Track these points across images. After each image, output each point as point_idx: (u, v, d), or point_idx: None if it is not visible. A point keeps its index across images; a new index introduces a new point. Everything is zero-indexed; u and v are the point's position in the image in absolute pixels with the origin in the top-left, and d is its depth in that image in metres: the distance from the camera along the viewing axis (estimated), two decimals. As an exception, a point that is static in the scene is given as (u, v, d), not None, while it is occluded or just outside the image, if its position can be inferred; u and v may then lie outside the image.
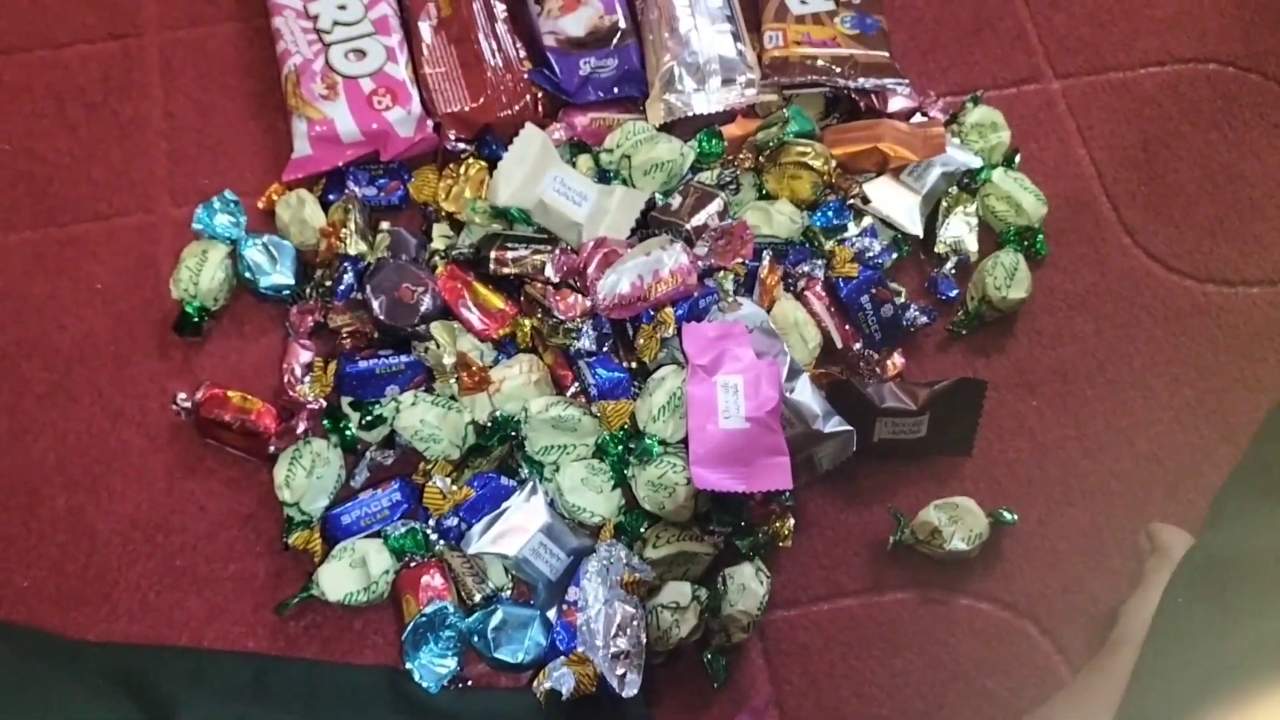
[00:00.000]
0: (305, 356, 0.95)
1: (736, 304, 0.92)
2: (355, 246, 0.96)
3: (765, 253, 0.97)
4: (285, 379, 0.95)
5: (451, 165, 1.02)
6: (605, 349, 0.92)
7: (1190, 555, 0.81)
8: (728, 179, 1.00)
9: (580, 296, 0.90)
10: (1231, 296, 1.05)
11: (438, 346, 0.93)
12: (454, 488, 0.90)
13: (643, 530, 0.91)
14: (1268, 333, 1.04)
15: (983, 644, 0.92)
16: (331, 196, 1.03)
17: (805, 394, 0.91)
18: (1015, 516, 0.93)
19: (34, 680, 0.76)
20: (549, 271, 0.93)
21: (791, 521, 0.92)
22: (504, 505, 0.89)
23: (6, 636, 0.84)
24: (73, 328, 1.00)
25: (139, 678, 0.80)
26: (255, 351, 0.99)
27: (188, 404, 0.94)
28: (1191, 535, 0.87)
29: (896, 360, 0.99)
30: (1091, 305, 1.04)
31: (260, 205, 1.04)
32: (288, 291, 0.99)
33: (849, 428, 0.91)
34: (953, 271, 1.03)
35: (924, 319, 1.00)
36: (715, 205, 0.95)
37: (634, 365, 0.93)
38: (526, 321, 0.94)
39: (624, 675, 0.85)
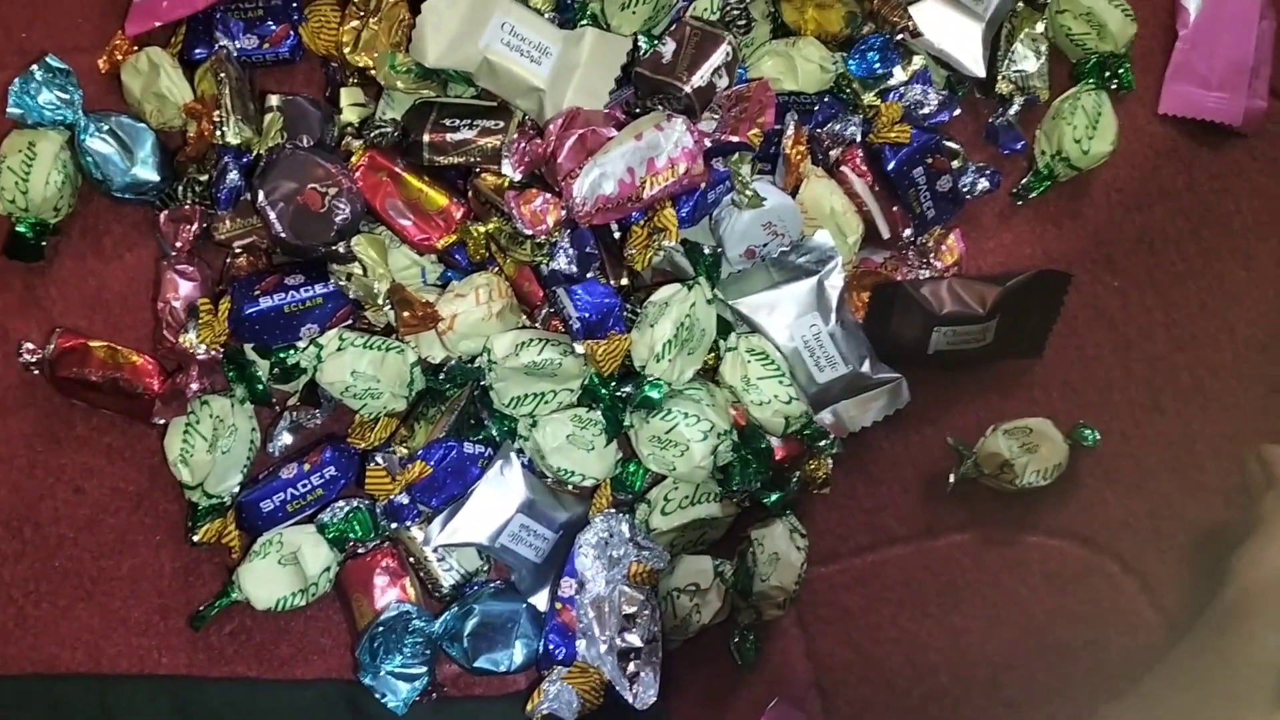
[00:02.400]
0: (186, 290, 0.72)
1: (758, 198, 0.69)
2: (236, 133, 0.71)
3: (789, 115, 0.73)
4: (163, 323, 0.72)
5: (356, -1, 0.75)
6: (590, 272, 0.70)
7: None
8: (734, 10, 0.74)
9: (550, 199, 0.67)
10: (1355, 131, 0.85)
11: (364, 271, 0.70)
12: (402, 458, 0.70)
13: (644, 487, 0.73)
14: (1398, 177, 0.84)
15: (1057, 589, 0.77)
16: (197, 53, 0.76)
17: (848, 324, 0.71)
18: (1098, 436, 0.76)
19: None
20: (505, 167, 0.69)
21: (830, 463, 0.74)
22: (471, 487, 0.69)
23: None
24: None
25: None
26: (120, 274, 0.76)
27: (36, 357, 0.71)
28: None
29: (954, 242, 0.78)
30: (1184, 151, 0.83)
31: (101, 67, 0.77)
32: (152, 191, 0.74)
33: (897, 376, 0.72)
34: (1018, 117, 0.80)
35: (985, 184, 0.78)
36: (721, 53, 0.70)
37: (625, 282, 0.72)
38: (479, 226, 0.71)
39: (636, 676, 0.69)
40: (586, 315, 0.69)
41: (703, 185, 0.69)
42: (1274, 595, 0.66)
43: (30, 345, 0.71)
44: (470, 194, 0.72)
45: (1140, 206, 0.82)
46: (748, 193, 0.69)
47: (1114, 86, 0.81)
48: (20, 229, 0.73)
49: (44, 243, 0.74)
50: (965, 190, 0.78)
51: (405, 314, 0.69)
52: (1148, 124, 0.83)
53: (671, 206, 0.69)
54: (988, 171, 0.78)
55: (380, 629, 0.69)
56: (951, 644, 0.75)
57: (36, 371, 0.72)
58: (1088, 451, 0.77)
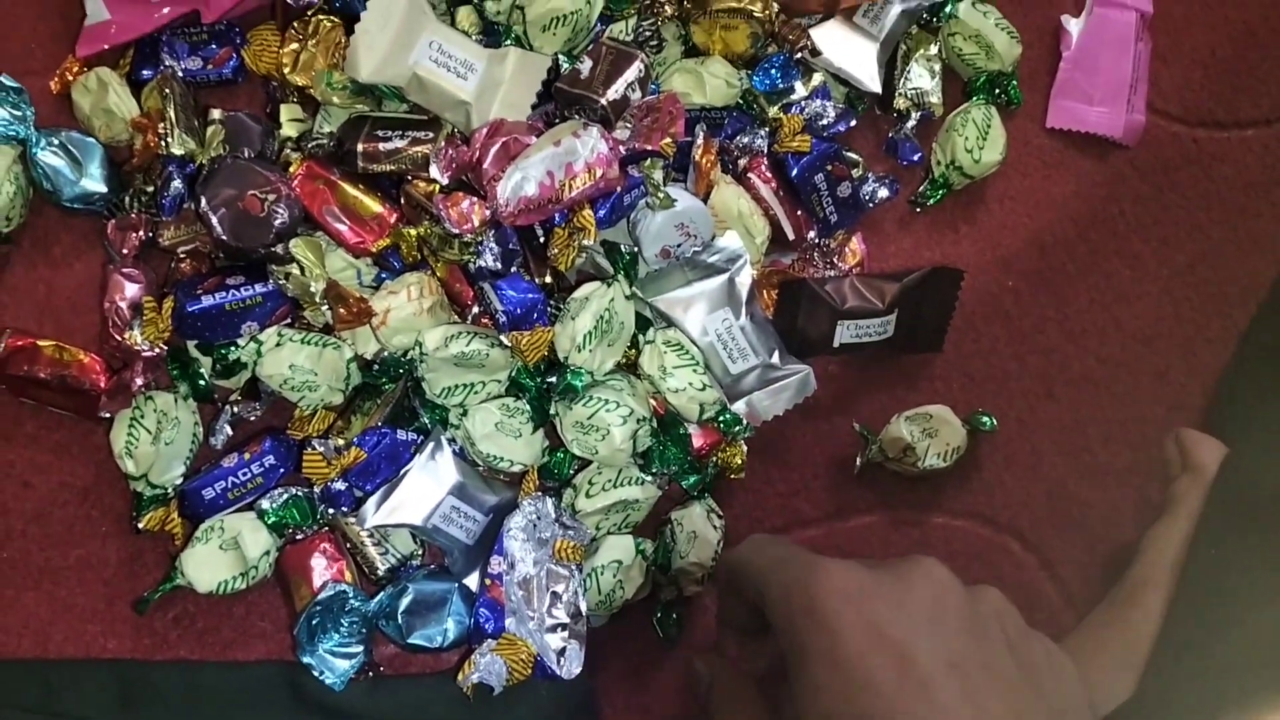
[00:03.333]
0: (132, 291, 0.76)
1: (669, 200, 0.75)
2: (180, 144, 0.76)
3: (699, 127, 0.79)
4: (110, 322, 0.75)
5: (296, 24, 0.80)
6: (514, 267, 0.75)
7: (1228, 483, 0.71)
8: (646, 33, 0.80)
9: (475, 201, 0.72)
10: (1224, 142, 0.92)
11: (301, 271, 0.75)
12: (339, 446, 0.74)
13: (571, 473, 0.77)
14: (1264, 183, 0.91)
15: (960, 567, 0.79)
16: (144, 73, 0.80)
17: (758, 318, 0.76)
18: (994, 422, 0.81)
19: None
20: (434, 171, 0.74)
21: (744, 449, 0.79)
22: (404, 470, 0.73)
23: None
24: None
25: None
26: (68, 281, 0.79)
27: (-12, 357, 0.75)
28: (1220, 443, 0.76)
29: (856, 245, 0.84)
30: (1071, 162, 0.90)
31: (53, 88, 0.81)
32: (100, 202, 0.78)
33: (805, 367, 0.77)
34: (914, 130, 0.87)
35: (885, 192, 0.84)
36: (634, 70, 0.76)
37: (549, 280, 0.77)
38: (411, 230, 0.75)
39: (563, 651, 0.73)
40: (511, 309, 0.74)
41: (618, 189, 0.74)
42: (1175, 574, 0.71)
43: (-19, 346, 0.75)
44: (402, 200, 0.76)
45: (1031, 212, 0.89)
46: (660, 194, 0.74)
47: (1004, 102, 0.88)
48: (-29, 240, 0.76)
49: (-4, 252, 0.78)
50: (866, 198, 0.84)
51: (340, 309, 0.73)
52: (1036, 137, 0.90)
53: (590, 209, 0.74)
54: (887, 180, 0.84)
55: (318, 609, 0.72)
56: (862, 619, 0.80)
57: (-14, 372, 0.75)
58: (987, 437, 0.83)
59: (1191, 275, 0.89)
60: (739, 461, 0.78)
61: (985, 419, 0.81)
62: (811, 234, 0.81)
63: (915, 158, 0.87)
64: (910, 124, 0.86)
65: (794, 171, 0.79)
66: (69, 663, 0.72)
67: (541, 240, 0.77)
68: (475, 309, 0.77)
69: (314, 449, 0.73)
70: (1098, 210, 0.89)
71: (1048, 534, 0.83)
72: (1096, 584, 0.81)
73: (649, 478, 0.76)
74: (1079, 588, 0.82)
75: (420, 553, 0.77)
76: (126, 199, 0.78)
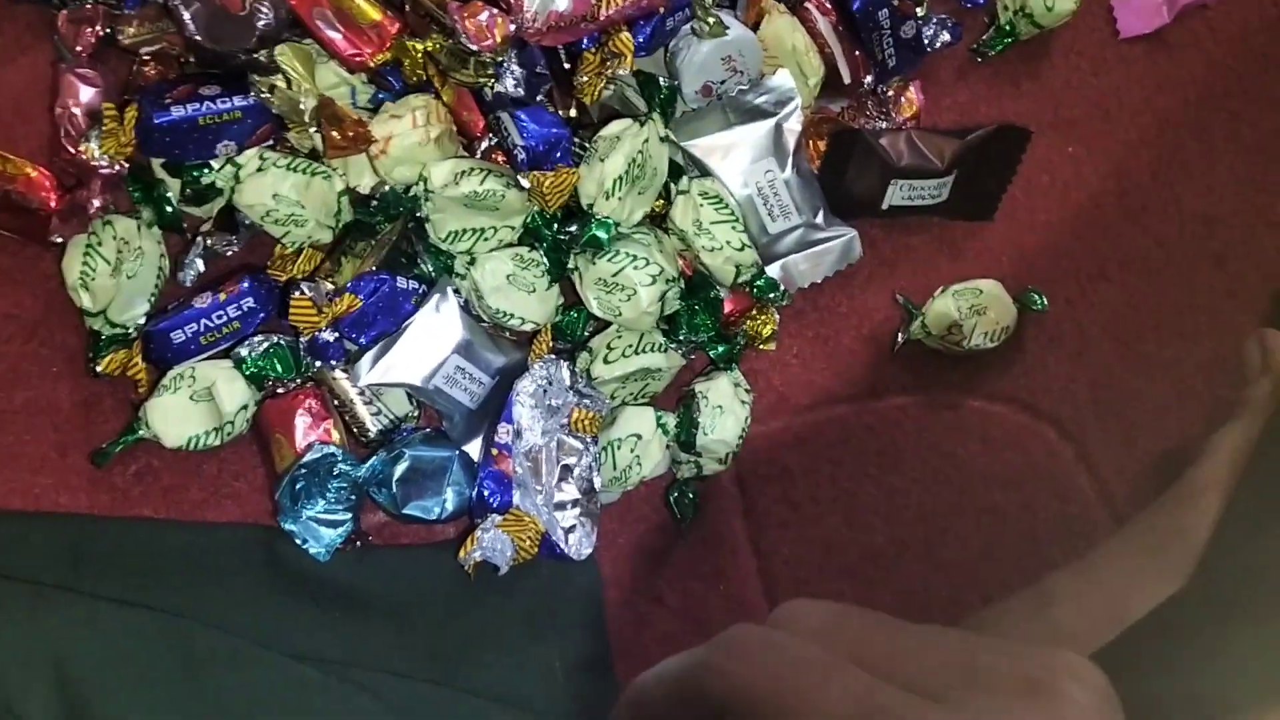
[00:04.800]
0: (88, 96, 0.65)
1: (720, 26, 0.65)
2: (145, -78, 0.64)
3: (752, -56, 0.69)
4: (61, 130, 0.65)
5: None
6: (538, 96, 0.65)
7: None
8: None
9: (497, 13, 0.62)
10: (1312, 6, 0.84)
11: (287, 84, 0.64)
12: (329, 290, 0.65)
13: (587, 335, 0.69)
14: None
15: (994, 453, 0.76)
16: None
17: (804, 172, 0.67)
18: (1045, 301, 0.75)
19: None
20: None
21: (777, 317, 0.71)
22: (404, 323, 0.65)
23: None
24: None
25: None
26: (10, 79, 0.68)
27: (-84, 165, 0.64)
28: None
29: (913, 95, 0.75)
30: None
31: None
32: (49, -12, 0.67)
33: (850, 230, 0.70)
34: (982, -32, 0.77)
35: (947, 36, 0.75)
36: None
37: (574, 114, 0.67)
38: (417, 44, 0.65)
39: (573, 529, 0.66)
40: (532, 145, 0.65)
41: (661, 10, 0.64)
42: (1234, 477, 0.66)
43: (-93, 152, 0.64)
44: (408, 7, 0.66)
45: (1098, 71, 0.80)
46: (710, 19, 0.65)
47: (1080, -56, 0.79)
48: (-107, 19, 0.64)
49: (-78, 38, 0.66)
50: (927, 41, 0.74)
51: (334, 133, 0.63)
52: (1110, -13, 0.81)
53: (627, 31, 0.64)
54: (950, 23, 0.75)
55: (303, 471, 0.64)
56: (889, 505, 0.74)
57: (-86, 182, 0.65)
58: (1032, 317, 0.76)
59: (1260, 154, 0.82)
60: (769, 331, 0.71)
61: (1036, 297, 0.75)
62: (868, 79, 0.72)
63: (980, 0, 0.77)
64: (979, -38, 0.77)
65: (856, 4, 0.70)
66: (15, 515, 0.64)
67: (566, 67, 0.67)
68: (486, 142, 0.68)
69: (303, 293, 0.64)
70: (1168, 75, 0.81)
71: (1088, 424, 0.77)
72: (1135, 480, 0.76)
73: (673, 345, 0.69)
74: (1115, 483, 0.77)
75: (416, 415, 0.69)
76: (79, -14, 0.66)
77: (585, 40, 0.65)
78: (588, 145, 0.66)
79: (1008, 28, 0.77)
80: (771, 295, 0.69)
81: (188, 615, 0.58)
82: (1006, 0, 0.77)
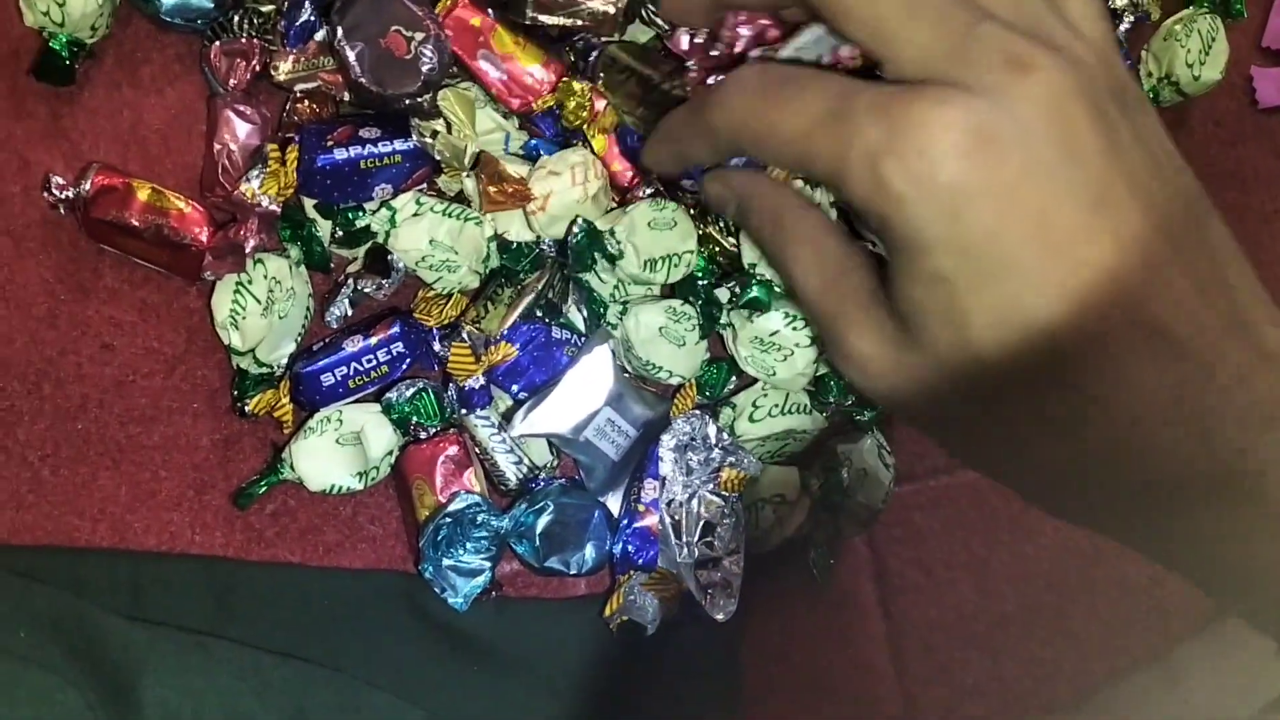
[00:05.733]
0: (245, 132, 0.64)
1: None
2: (313, -41, 0.63)
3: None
4: (219, 167, 0.64)
5: None
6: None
7: None
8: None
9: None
10: None
11: (448, 128, 0.64)
12: (484, 339, 0.64)
13: (731, 391, 0.69)
14: None
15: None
16: None
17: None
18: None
19: None
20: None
21: (920, 381, 0.70)
22: (560, 373, 0.64)
23: None
24: None
25: (67, 618, 0.55)
26: (158, 110, 0.67)
27: (69, 193, 0.63)
28: None
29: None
30: (1286, 87, 0.81)
31: None
32: (205, 19, 0.66)
33: None
34: (1125, 36, 0.77)
35: (1091, 102, 0.74)
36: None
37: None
38: (578, 84, 0.64)
39: (713, 589, 0.65)
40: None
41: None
42: None
43: (60, 180, 0.63)
44: (570, 53, 0.65)
45: (1234, 142, 0.80)
46: None
47: (1223, 12, 0.78)
48: (54, 46, 0.63)
49: (76, 65, 0.65)
50: (1073, 106, 0.74)
51: (492, 189, 0.63)
52: (1250, 57, 0.81)
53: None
54: (1096, 88, 0.74)
55: (447, 520, 0.63)
56: (1020, 571, 0.73)
57: (63, 211, 0.64)
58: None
59: (1394, 229, 0.81)
60: (912, 393, 0.70)
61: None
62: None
63: (1125, 64, 0.77)
64: (1123, 26, 0.76)
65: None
66: (157, 556, 0.63)
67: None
68: (641, 193, 0.67)
69: (463, 341, 0.63)
70: (1307, 147, 0.81)
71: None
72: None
73: (819, 407, 0.68)
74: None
75: (555, 464, 0.68)
76: (236, 19, 0.66)
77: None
78: (747, 202, 0.65)
79: (1151, 95, 0.76)
80: (920, 359, 0.68)
81: (343, 669, 0.57)
82: (1150, 67, 0.77)
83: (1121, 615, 0.74)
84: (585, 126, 0.66)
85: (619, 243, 0.63)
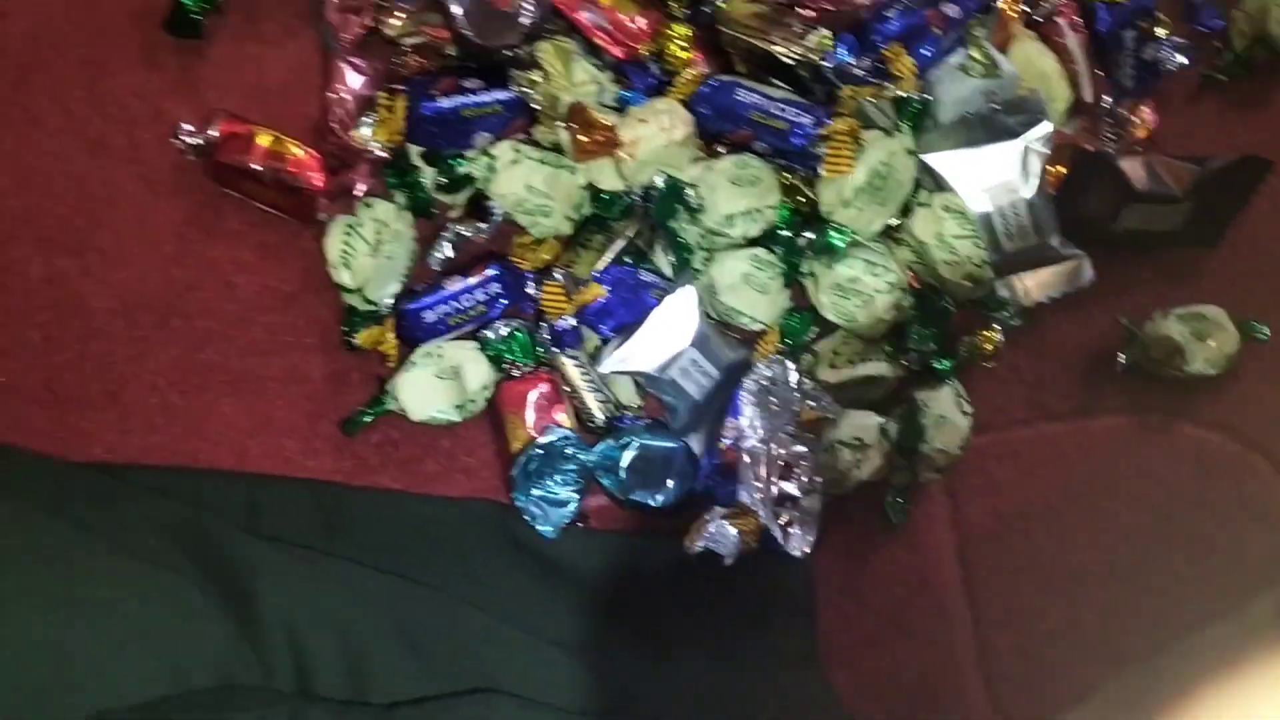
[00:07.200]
0: (357, 83, 0.68)
1: (994, 68, 0.66)
2: (424, -80, 0.67)
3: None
4: (332, 114, 0.68)
5: None
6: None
7: None
8: None
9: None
10: None
11: (545, 79, 0.67)
12: (576, 279, 0.67)
13: (812, 339, 0.71)
14: None
15: (1206, 480, 0.76)
16: None
17: (1045, 193, 0.68)
18: (1268, 332, 0.74)
19: (68, 556, 0.53)
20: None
21: (1000, 336, 0.72)
22: (647, 314, 0.67)
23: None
24: (21, 17, 0.70)
25: (191, 528, 0.60)
26: (279, 63, 0.72)
27: (197, 140, 0.68)
28: None
29: (1146, 115, 0.75)
30: (1388, 47, 0.79)
31: None
32: (323, -22, 0.70)
33: (1081, 253, 0.70)
34: (1218, -7, 0.77)
35: (1181, 59, 0.74)
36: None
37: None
38: (678, 27, 0.67)
39: (790, 526, 0.68)
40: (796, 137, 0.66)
41: (938, 32, 0.65)
42: None
43: (189, 127, 0.68)
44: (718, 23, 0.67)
45: (1333, 102, 0.79)
46: (983, 61, 0.65)
47: (1324, -29, 0.77)
48: (184, 1, 0.68)
49: (203, 19, 0.70)
50: (1164, 64, 0.74)
51: (583, 137, 0.65)
52: (1352, 15, 0.79)
53: (908, 54, 0.65)
54: (1185, 47, 0.74)
55: (538, 452, 0.67)
56: (1098, 525, 0.74)
57: (191, 157, 0.69)
58: (1249, 346, 0.75)
59: None
60: (992, 348, 0.71)
61: (1258, 327, 0.74)
62: (1107, 98, 0.72)
63: (1216, 24, 0.77)
64: (1215, -15, 0.76)
65: (1104, 24, 0.70)
66: (272, 479, 0.68)
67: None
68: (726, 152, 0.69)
69: (556, 281, 0.66)
70: None
71: (1302, 458, 0.76)
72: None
73: (899, 354, 0.70)
74: (1327, 519, 0.76)
75: (640, 405, 0.71)
76: (351, -24, 0.70)
77: (848, 50, 0.66)
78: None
79: (1243, 54, 0.76)
80: (1003, 314, 0.70)
81: (441, 588, 0.61)
82: (1243, 27, 0.76)
83: (1200, 572, 0.74)
84: (681, 71, 0.69)
85: (699, 196, 0.66)
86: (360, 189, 0.68)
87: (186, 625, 0.51)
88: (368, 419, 0.68)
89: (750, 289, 0.68)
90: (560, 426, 0.68)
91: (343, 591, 0.59)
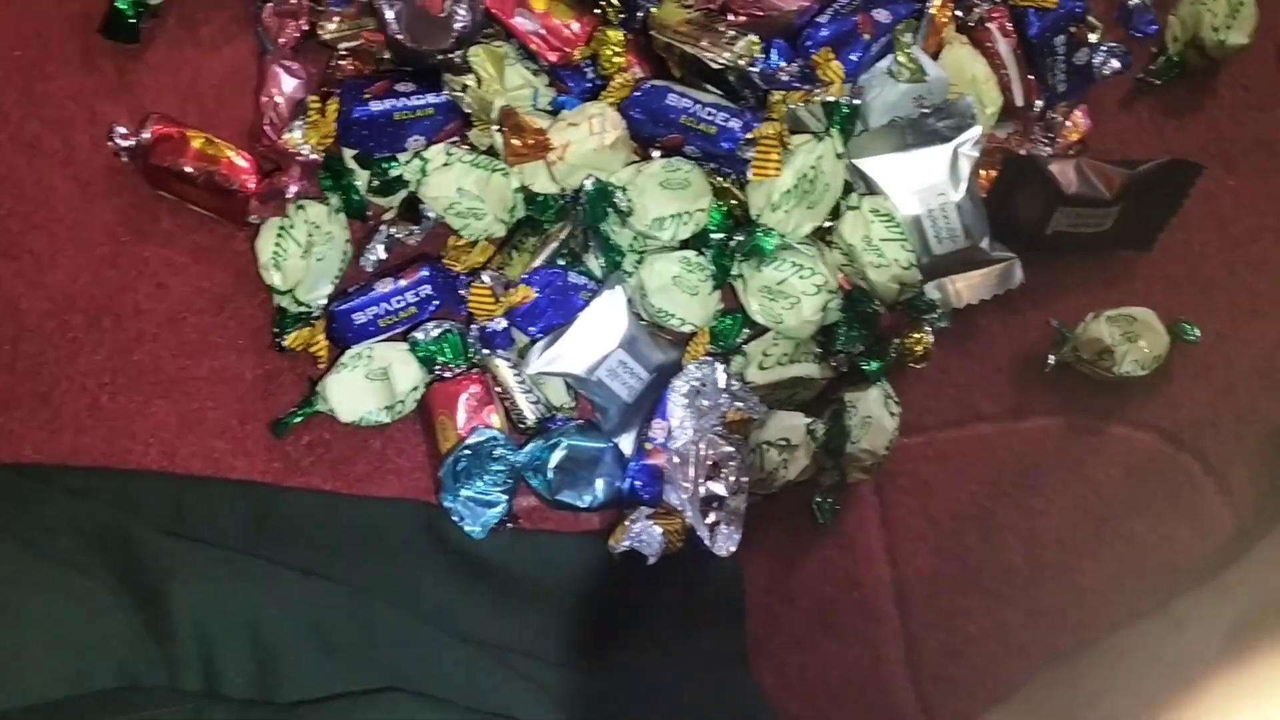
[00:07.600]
0: (291, 87, 0.69)
1: (920, 72, 0.66)
2: (354, -76, 0.67)
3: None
4: (265, 118, 0.69)
5: None
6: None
7: None
8: None
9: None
10: None
11: (478, 84, 0.67)
12: (505, 281, 0.68)
13: (741, 341, 0.71)
14: None
15: (1136, 481, 0.76)
16: None
17: (975, 197, 0.68)
18: (1198, 333, 0.75)
19: None
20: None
21: (930, 338, 0.72)
22: (574, 316, 0.67)
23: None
24: (-48, 19, 0.71)
25: (110, 530, 0.61)
26: (215, 66, 0.72)
27: (131, 142, 0.69)
28: None
29: (1079, 119, 0.75)
30: (1319, 53, 0.80)
31: None
32: (256, -19, 0.70)
33: (1012, 256, 0.70)
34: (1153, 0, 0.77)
35: (1116, 64, 0.75)
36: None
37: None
38: (612, 33, 0.67)
39: (716, 527, 0.68)
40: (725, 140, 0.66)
41: (867, 37, 0.66)
42: None
43: (124, 129, 0.68)
44: (603, 4, 0.68)
45: (1264, 107, 0.80)
46: (910, 65, 0.66)
47: (1255, -22, 0.78)
48: (120, 5, 0.69)
49: (140, 24, 0.70)
50: (1097, 68, 0.75)
51: (515, 141, 0.66)
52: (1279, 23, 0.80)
53: (833, 55, 0.66)
54: (1120, 51, 0.75)
55: (466, 453, 0.67)
56: (1027, 525, 0.75)
57: (126, 159, 0.69)
58: (1181, 348, 0.76)
59: None
60: (922, 350, 0.72)
61: (1189, 328, 0.75)
62: (1039, 102, 0.73)
63: (1150, 29, 0.77)
64: (1149, -11, 0.77)
65: (1034, 29, 0.70)
66: (201, 480, 0.68)
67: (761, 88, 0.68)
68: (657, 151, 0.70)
69: (483, 283, 0.67)
70: (1340, 113, 0.80)
71: (1232, 460, 0.77)
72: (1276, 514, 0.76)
73: (828, 356, 0.70)
74: (1256, 522, 0.77)
75: (572, 405, 0.72)
76: (285, -21, 0.70)
77: (779, 55, 0.66)
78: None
79: (1177, 59, 0.77)
80: (930, 315, 0.70)
81: (363, 589, 0.62)
82: (1177, 32, 0.77)
83: (1128, 571, 0.75)
84: (616, 76, 0.69)
85: (629, 199, 0.66)
86: (292, 191, 0.68)
87: (91, 626, 0.51)
88: (298, 420, 0.69)
89: (680, 291, 0.68)
90: (490, 428, 0.69)
91: (258, 592, 0.60)
